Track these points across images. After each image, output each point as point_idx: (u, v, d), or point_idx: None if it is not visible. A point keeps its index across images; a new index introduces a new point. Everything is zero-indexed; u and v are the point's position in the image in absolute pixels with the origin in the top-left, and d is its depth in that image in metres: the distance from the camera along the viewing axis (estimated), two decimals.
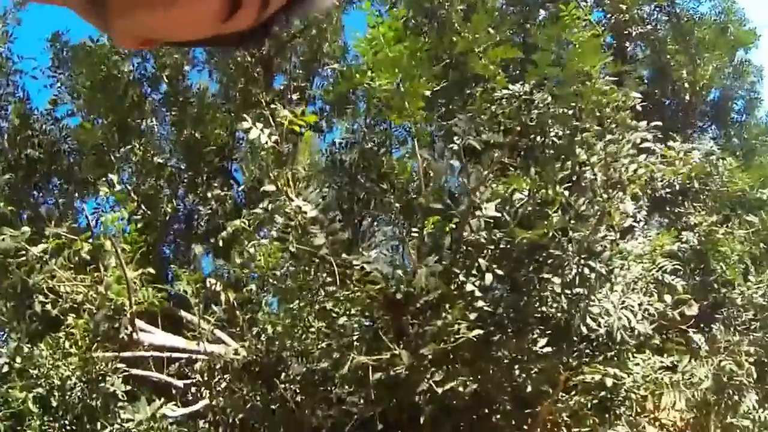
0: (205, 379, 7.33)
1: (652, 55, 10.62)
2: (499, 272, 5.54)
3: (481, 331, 5.39)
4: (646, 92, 9.95)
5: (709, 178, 8.25)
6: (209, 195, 8.77)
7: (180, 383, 7.65)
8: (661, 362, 7.34)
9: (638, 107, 6.37)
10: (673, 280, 6.91)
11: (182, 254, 9.35)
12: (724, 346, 7.52)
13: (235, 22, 0.62)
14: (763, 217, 8.42)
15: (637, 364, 7.22)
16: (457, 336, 5.35)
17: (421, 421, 5.75)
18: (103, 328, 6.35)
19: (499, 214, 5.48)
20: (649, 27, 10.40)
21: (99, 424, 6.02)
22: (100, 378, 6.23)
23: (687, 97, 10.41)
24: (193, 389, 7.70)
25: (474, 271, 5.47)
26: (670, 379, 7.29)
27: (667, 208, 8.46)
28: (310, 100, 10.03)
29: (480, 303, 5.38)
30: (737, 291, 7.86)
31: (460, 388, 5.50)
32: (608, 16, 10.31)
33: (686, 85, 10.24)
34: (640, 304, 6.17)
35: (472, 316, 5.39)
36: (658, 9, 10.50)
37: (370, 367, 5.59)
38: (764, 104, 12.15)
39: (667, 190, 7.79)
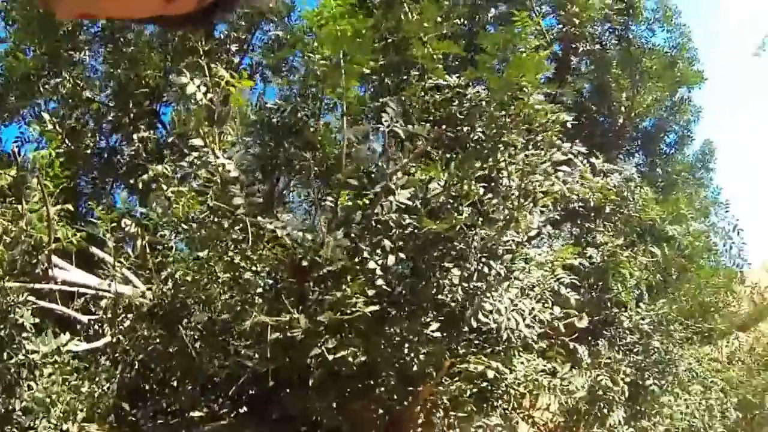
0: (110, 317, 7.61)
1: (595, 71, 11.24)
2: (402, 255, 6.05)
3: (376, 308, 5.90)
4: (583, 105, 10.63)
5: (624, 202, 8.96)
6: (134, 136, 8.94)
7: (84, 318, 7.91)
8: (543, 366, 8.04)
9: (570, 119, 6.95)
10: (568, 292, 7.59)
11: (100, 190, 9.49)
12: (605, 362, 8.29)
13: (179, 4, 0.66)
14: (665, 251, 9.23)
15: (522, 363, 7.91)
16: (354, 309, 5.85)
17: (310, 383, 6.25)
18: (21, 262, 6.57)
19: (410, 202, 5.97)
20: (597, 46, 10.99)
21: (5, 355, 6.23)
22: (9, 309, 6.42)
23: (620, 120, 11.12)
24: (96, 326, 7.96)
25: (378, 251, 5.96)
26: (549, 383, 8.00)
27: (578, 222, 9.15)
28: (248, 52, 10.24)
29: (380, 281, 5.87)
30: (627, 314, 8.62)
31: (350, 358, 6.01)
32: (559, 25, 10.85)
33: (623, 108, 10.95)
34: (531, 310, 6.78)
35: (371, 292, 5.88)
36: (610, 30, 11.13)
37: (269, 326, 6.03)
38: (695, 144, 13.05)
39: (581, 204, 8.45)
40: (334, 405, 6.57)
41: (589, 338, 8.57)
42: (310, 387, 6.25)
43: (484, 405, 7.59)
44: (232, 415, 7.52)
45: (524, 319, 6.54)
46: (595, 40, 10.95)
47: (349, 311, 5.85)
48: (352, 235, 6.01)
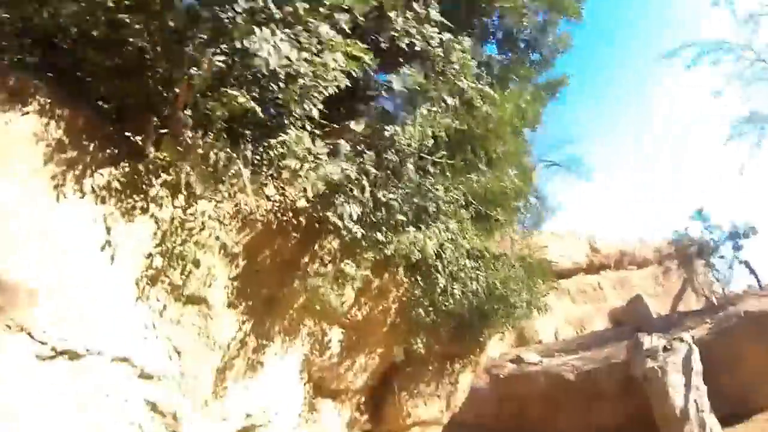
0: None
1: None
2: None
3: None
4: None
5: (446, 61, 10.73)
6: None
7: None
8: (307, 147, 9.79)
9: None
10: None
11: None
12: (361, 162, 10.04)
13: None
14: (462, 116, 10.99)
15: (286, 134, 9.65)
16: None
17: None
18: None
19: None
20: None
21: None
22: None
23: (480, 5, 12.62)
24: None
25: None
26: (304, 158, 9.71)
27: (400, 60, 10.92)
28: None
29: None
30: (391, 128, 10.26)
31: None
32: None
33: None
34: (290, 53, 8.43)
35: None
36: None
37: None
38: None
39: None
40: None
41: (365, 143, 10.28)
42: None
43: (237, 144, 9.33)
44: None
45: (278, 52, 8.26)
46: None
47: None
48: None
